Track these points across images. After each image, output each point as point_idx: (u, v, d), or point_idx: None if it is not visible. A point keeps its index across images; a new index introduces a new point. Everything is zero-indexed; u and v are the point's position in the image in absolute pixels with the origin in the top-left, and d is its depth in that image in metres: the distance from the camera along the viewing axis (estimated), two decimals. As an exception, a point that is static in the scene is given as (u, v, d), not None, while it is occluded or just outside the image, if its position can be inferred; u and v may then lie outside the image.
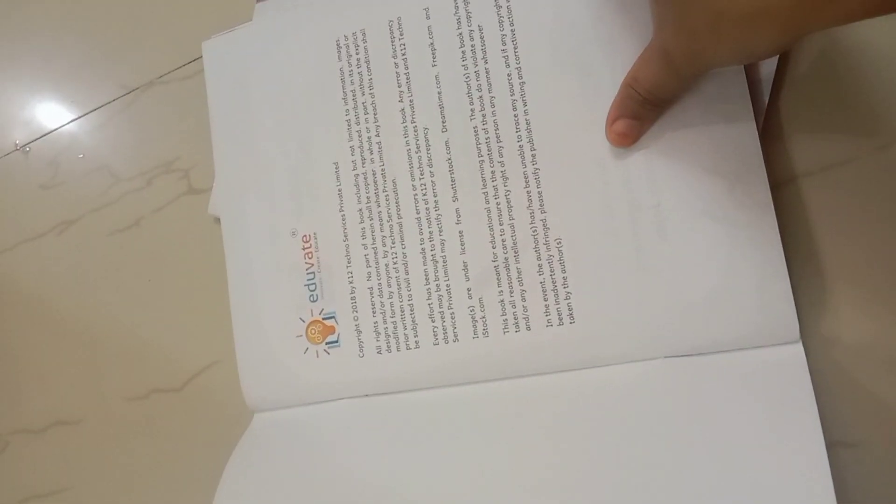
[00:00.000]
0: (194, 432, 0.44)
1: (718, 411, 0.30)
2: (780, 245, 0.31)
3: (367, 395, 0.39)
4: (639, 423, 0.31)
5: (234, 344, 0.41)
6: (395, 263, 0.38)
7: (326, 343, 0.39)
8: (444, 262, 0.37)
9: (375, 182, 0.39)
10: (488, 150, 0.36)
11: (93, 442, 0.47)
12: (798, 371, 0.30)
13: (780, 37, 0.25)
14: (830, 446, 0.31)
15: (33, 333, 0.50)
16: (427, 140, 0.37)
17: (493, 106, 0.36)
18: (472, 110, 0.37)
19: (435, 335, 0.37)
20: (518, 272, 0.35)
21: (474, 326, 0.36)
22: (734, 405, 0.30)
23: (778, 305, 0.31)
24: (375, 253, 0.38)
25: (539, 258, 0.35)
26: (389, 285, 0.38)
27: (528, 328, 0.35)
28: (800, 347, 0.31)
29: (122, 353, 0.47)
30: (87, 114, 0.50)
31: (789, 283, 0.31)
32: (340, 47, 0.40)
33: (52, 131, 0.51)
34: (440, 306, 0.37)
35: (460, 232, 0.37)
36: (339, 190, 0.39)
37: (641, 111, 0.32)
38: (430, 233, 0.37)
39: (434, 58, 0.38)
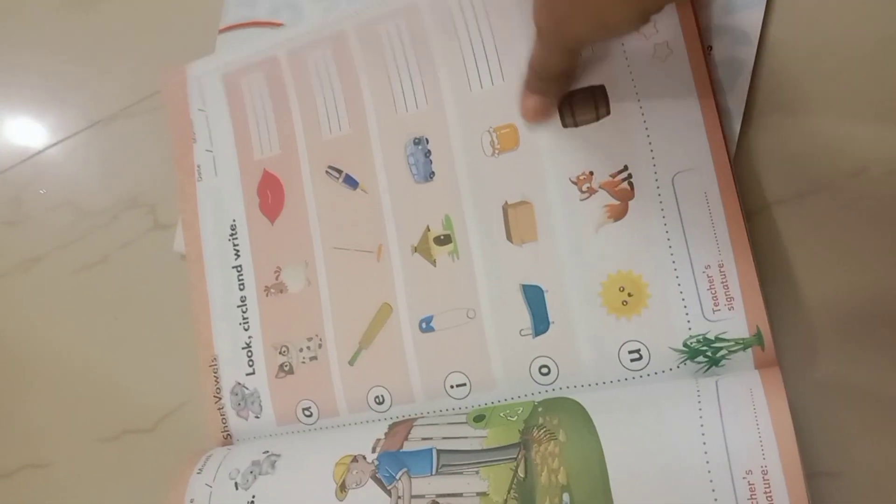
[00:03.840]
0: (168, 472, 0.43)
1: None
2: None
3: None
4: None
5: (202, 381, 0.40)
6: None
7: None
8: None
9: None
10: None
11: (64, 485, 0.46)
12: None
13: (631, 9, 0.26)
14: (812, 476, 0.30)
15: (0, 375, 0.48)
16: None
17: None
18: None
19: None
20: None
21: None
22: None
23: None
24: None
25: None
26: None
27: None
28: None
29: (92, 394, 0.46)
30: (49, 147, 0.49)
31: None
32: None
33: (13, 166, 0.50)
34: None
35: None
36: None
37: (543, 87, 0.34)
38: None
39: None
